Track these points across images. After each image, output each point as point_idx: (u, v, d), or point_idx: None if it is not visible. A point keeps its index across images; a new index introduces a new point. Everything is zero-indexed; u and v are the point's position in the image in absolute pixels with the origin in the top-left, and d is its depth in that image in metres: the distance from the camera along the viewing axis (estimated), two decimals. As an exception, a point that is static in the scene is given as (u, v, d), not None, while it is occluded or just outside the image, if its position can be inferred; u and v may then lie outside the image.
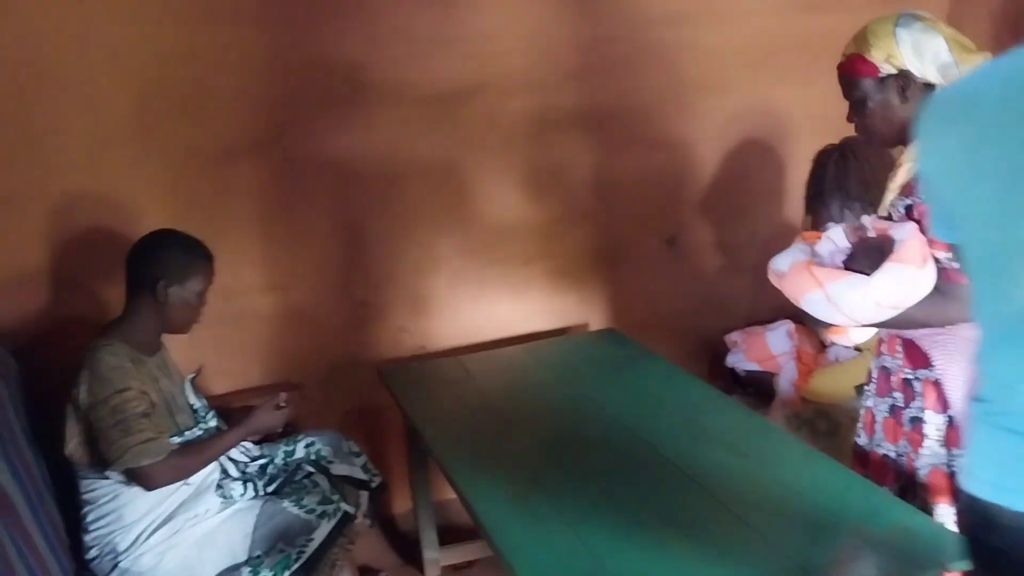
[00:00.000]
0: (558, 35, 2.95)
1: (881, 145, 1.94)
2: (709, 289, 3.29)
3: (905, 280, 1.68)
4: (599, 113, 3.05)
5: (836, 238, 1.81)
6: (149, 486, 2.10)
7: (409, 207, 2.93)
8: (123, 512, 2.15)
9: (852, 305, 1.71)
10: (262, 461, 2.45)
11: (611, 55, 3.01)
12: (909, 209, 1.78)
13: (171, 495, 2.19)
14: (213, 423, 2.38)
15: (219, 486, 2.27)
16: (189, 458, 2.17)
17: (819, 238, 1.84)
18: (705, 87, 3.12)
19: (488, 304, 3.09)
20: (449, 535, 2.92)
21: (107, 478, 2.14)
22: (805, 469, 2.02)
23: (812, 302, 1.76)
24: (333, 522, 2.21)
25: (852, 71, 1.83)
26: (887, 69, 1.78)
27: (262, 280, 2.82)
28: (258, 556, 2.17)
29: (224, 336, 2.68)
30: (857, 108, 1.86)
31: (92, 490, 2.16)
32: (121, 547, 2.14)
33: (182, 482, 2.19)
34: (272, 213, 2.80)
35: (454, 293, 3.05)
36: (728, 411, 2.37)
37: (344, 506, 2.26)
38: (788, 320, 2.87)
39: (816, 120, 3.09)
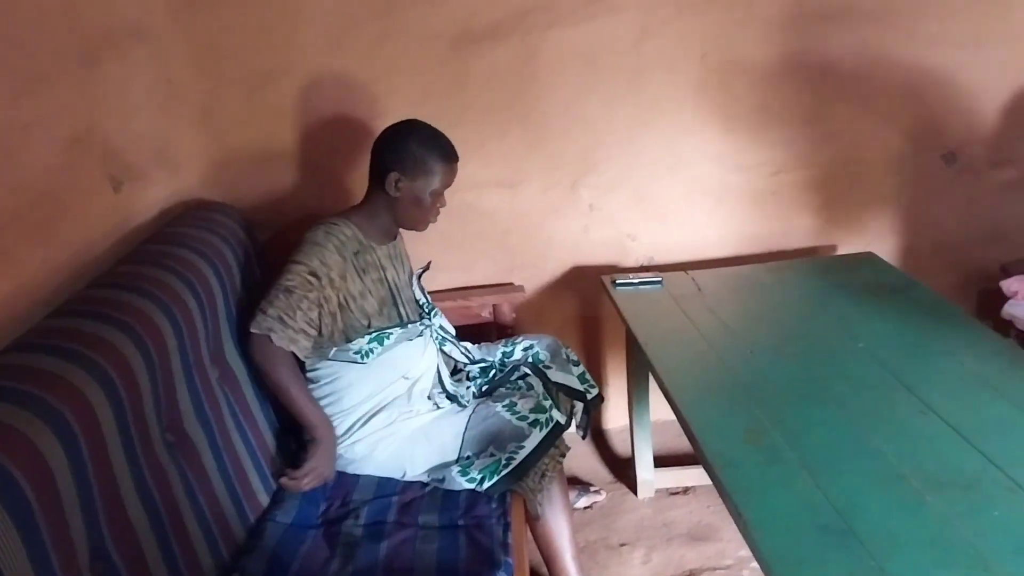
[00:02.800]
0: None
1: None
2: (990, 215, 2.84)
3: None
4: (878, 5, 2.63)
5: None
6: (254, 356, 2.03)
7: (651, 101, 2.68)
8: (343, 396, 2.15)
9: None
10: (483, 364, 2.39)
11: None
12: None
13: (391, 385, 2.17)
14: (439, 320, 2.33)
15: (430, 394, 2.23)
16: (284, 372, 2.04)
17: None
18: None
19: (727, 215, 2.82)
20: (666, 457, 2.76)
21: (330, 359, 2.13)
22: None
23: None
24: (545, 431, 2.10)
25: None
26: None
27: (491, 175, 2.70)
28: (468, 456, 2.10)
29: (448, 231, 2.59)
30: None
31: (315, 369, 2.16)
32: (338, 432, 2.14)
33: (401, 375, 2.15)
34: (507, 104, 2.64)
35: (691, 201, 2.80)
36: (1003, 357, 2.01)
37: (556, 415, 2.14)
38: None
39: None
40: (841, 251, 2.85)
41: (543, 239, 2.80)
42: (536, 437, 2.08)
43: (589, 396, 2.38)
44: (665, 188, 2.78)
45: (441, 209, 2.21)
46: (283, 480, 2.04)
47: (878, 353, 2.03)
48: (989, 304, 2.72)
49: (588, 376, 2.42)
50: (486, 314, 2.73)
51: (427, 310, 2.31)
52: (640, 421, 2.65)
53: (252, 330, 2.01)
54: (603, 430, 3.03)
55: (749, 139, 2.75)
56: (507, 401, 2.18)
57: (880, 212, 2.85)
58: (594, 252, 2.83)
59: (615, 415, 2.94)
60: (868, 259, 2.64)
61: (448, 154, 2.15)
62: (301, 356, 2.06)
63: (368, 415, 2.16)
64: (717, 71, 2.67)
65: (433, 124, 2.17)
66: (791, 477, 1.60)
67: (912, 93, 2.74)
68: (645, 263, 2.84)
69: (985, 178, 2.83)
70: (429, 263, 2.39)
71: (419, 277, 2.34)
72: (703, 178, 2.78)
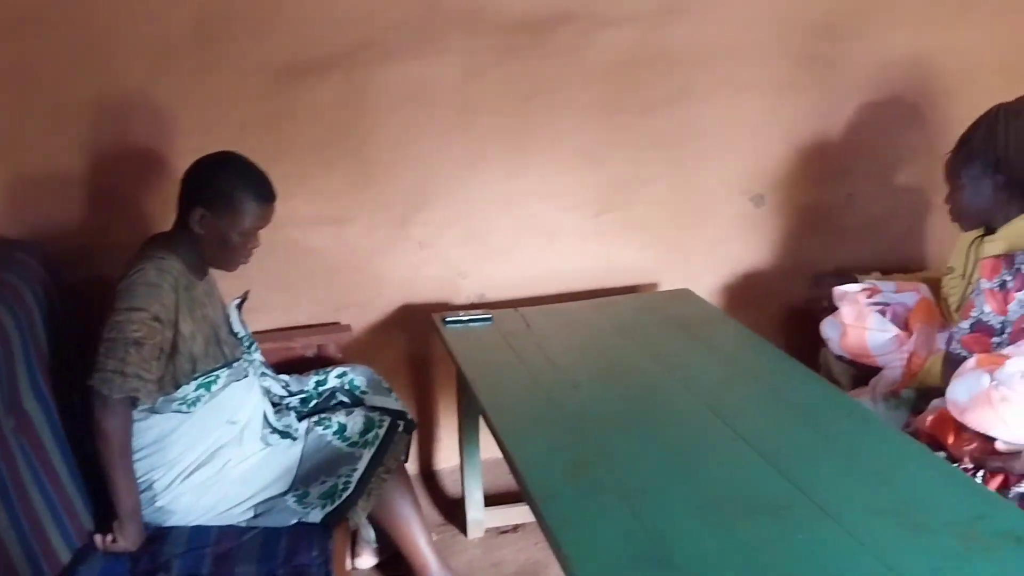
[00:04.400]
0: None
1: None
2: (794, 253, 3.02)
3: None
4: (692, 53, 2.78)
5: (1016, 365, 1.89)
6: (97, 415, 1.90)
7: (480, 143, 2.72)
8: (166, 446, 2.03)
9: None
10: (302, 395, 2.34)
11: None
12: None
13: (217, 431, 2.07)
14: (257, 356, 2.26)
15: (261, 436, 2.15)
16: (117, 443, 1.92)
17: (998, 364, 1.91)
18: (811, 29, 2.82)
19: (555, 255, 2.87)
20: (498, 495, 2.76)
21: (152, 410, 2.00)
22: (899, 459, 1.77)
23: (1001, 434, 1.88)
24: (374, 449, 2.11)
25: None
26: None
27: (317, 211, 2.65)
28: (302, 488, 2.06)
29: (271, 268, 2.52)
30: None
31: (135, 420, 2.02)
32: (160, 486, 2.02)
33: (227, 420, 2.07)
34: (333, 140, 2.61)
35: (520, 241, 2.84)
36: (811, 386, 2.12)
37: (381, 432, 2.15)
38: (897, 329, 2.35)
39: (931, 74, 2.81)
40: (662, 288, 2.96)
41: (372, 277, 2.76)
42: (367, 456, 2.09)
43: (407, 419, 2.36)
44: (496, 226, 2.81)
45: (263, 244, 2.12)
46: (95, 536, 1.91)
47: (694, 385, 2.11)
48: (796, 332, 2.89)
49: (402, 403, 2.41)
50: (311, 355, 2.66)
51: (247, 344, 2.22)
52: (470, 460, 2.64)
53: (103, 391, 1.87)
54: (434, 471, 2.99)
55: (576, 180, 2.83)
56: (336, 426, 2.14)
57: (697, 251, 2.98)
58: (425, 290, 2.81)
59: (446, 455, 2.92)
60: (685, 295, 2.74)
61: (262, 193, 2.03)
62: (136, 392, 1.92)
63: (194, 466, 2.05)
64: (543, 113, 2.73)
65: (255, 159, 2.09)
66: (611, 509, 1.62)
67: (725, 138, 2.89)
68: (476, 300, 2.85)
69: (790, 218, 3.01)
70: (247, 293, 2.29)
71: (239, 307, 2.24)
72: (533, 217, 2.83)
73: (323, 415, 2.22)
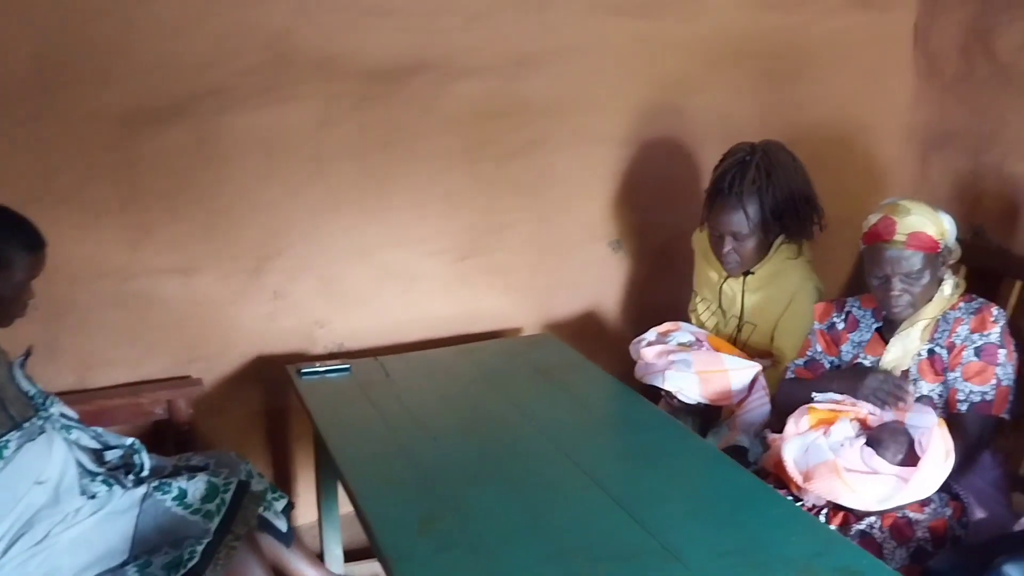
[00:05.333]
0: (507, 17, 2.73)
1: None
2: (653, 297, 3.09)
3: (937, 475, 1.91)
4: (548, 104, 2.84)
5: (845, 430, 2.00)
6: None
7: (335, 191, 2.69)
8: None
9: (887, 500, 1.91)
10: (119, 452, 2.15)
11: (567, 42, 2.80)
12: (931, 352, 2.10)
13: (27, 495, 1.92)
14: (56, 409, 2.08)
15: (81, 488, 2.01)
16: None
17: (830, 423, 2.01)
18: (663, 84, 2.93)
19: (416, 302, 2.85)
20: (358, 551, 2.69)
21: None
22: (745, 499, 1.83)
23: (849, 503, 1.94)
24: (220, 517, 2.01)
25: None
26: None
27: (163, 262, 2.56)
28: (143, 557, 1.94)
29: (116, 321, 2.42)
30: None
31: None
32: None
33: (35, 481, 1.93)
34: (181, 189, 2.54)
35: (380, 288, 2.81)
36: (665, 429, 2.18)
37: (227, 497, 2.05)
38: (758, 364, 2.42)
39: (776, 126, 2.95)
40: (525, 332, 2.97)
41: (223, 328, 2.67)
42: (213, 524, 1.98)
43: (279, 505, 2.28)
44: (354, 274, 2.77)
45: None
46: None
47: (551, 431, 2.12)
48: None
49: (274, 488, 2.32)
50: (160, 411, 2.55)
51: (40, 400, 2.07)
52: (329, 515, 2.57)
53: None
54: (293, 527, 2.89)
55: (436, 226, 2.83)
56: (176, 491, 2.04)
57: (558, 295, 3.02)
58: (280, 341, 2.74)
59: (305, 511, 2.83)
60: (546, 340, 2.77)
61: (29, 242, 1.96)
62: None
63: (8, 539, 1.89)
64: (401, 160, 2.73)
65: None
66: (461, 565, 1.60)
67: (582, 185, 2.95)
68: (334, 350, 2.79)
69: (647, 263, 3.08)
70: (29, 348, 2.12)
71: (22, 366, 2.09)
72: (393, 263, 2.80)
73: (163, 479, 2.11)
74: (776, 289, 2.50)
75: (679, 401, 2.42)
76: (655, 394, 2.66)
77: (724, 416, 2.43)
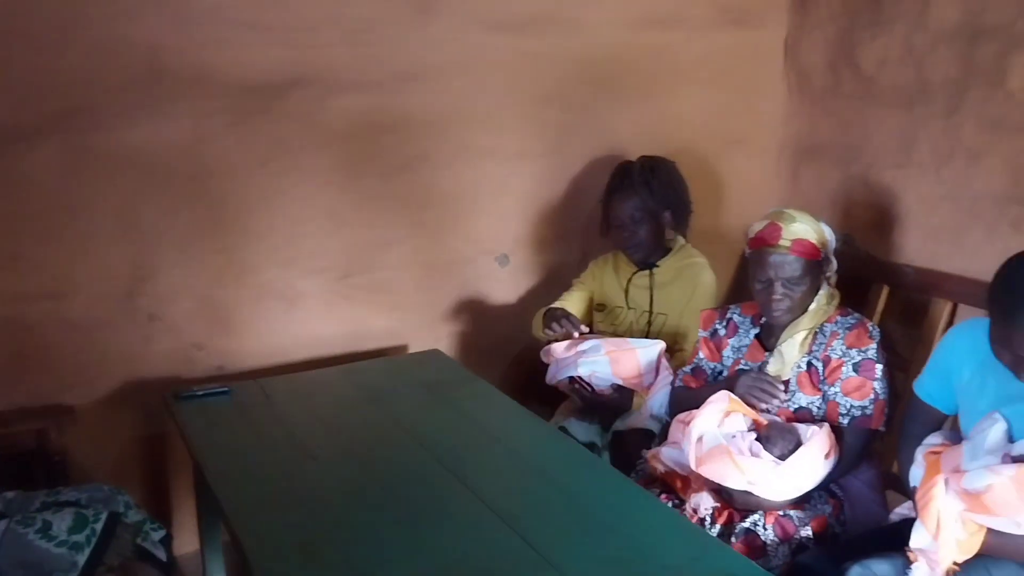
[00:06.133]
0: (389, 32, 2.72)
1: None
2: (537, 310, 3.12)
3: (817, 467, 2.04)
4: (431, 119, 2.83)
5: (738, 423, 2.14)
6: None
7: (213, 209, 2.62)
8: None
9: (770, 486, 2.03)
10: None
11: (449, 58, 2.81)
12: (809, 365, 2.19)
13: None
14: None
15: None
16: None
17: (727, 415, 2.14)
18: (545, 99, 2.96)
19: (298, 321, 2.80)
20: (243, 580, 2.61)
21: None
22: (627, 508, 1.84)
23: (735, 484, 2.03)
24: (90, 549, 1.93)
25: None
26: None
27: (30, 286, 2.45)
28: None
29: (-22, 349, 2.30)
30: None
31: None
32: None
33: None
34: (51, 210, 2.44)
35: (261, 307, 2.75)
36: (554, 443, 2.19)
37: (98, 527, 1.98)
38: (660, 341, 2.59)
39: (657, 140, 3.02)
40: (412, 350, 2.95)
41: (97, 353, 2.57)
42: (82, 556, 1.92)
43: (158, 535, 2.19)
44: (233, 294, 2.70)
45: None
46: None
47: (436, 449, 2.10)
48: (542, 387, 2.96)
49: (152, 519, 2.24)
50: (30, 442, 2.42)
51: None
52: (211, 543, 2.49)
53: None
54: (173, 557, 2.79)
55: (318, 243, 2.78)
56: (39, 523, 1.95)
57: (445, 311, 3.01)
58: (157, 364, 2.65)
59: (187, 539, 2.73)
60: (434, 356, 2.75)
61: None
62: None
63: None
64: (281, 177, 2.68)
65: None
66: (339, 588, 1.57)
67: (468, 200, 2.95)
68: (214, 373, 2.71)
69: (533, 277, 3.10)
70: None
71: None
72: (273, 283, 2.75)
73: (28, 514, 2.01)
74: (682, 279, 2.73)
75: (592, 389, 2.55)
76: (555, 401, 2.71)
77: (636, 406, 2.56)
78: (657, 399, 2.49)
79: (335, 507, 1.86)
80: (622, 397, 2.58)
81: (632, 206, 2.70)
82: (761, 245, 2.19)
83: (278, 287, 2.75)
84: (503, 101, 2.92)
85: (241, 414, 2.33)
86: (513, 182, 3.00)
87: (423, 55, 2.77)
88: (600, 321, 2.83)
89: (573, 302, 2.80)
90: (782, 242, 2.15)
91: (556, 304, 2.75)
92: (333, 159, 2.74)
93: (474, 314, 3.05)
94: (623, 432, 2.53)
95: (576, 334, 2.56)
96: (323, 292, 2.81)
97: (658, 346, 2.54)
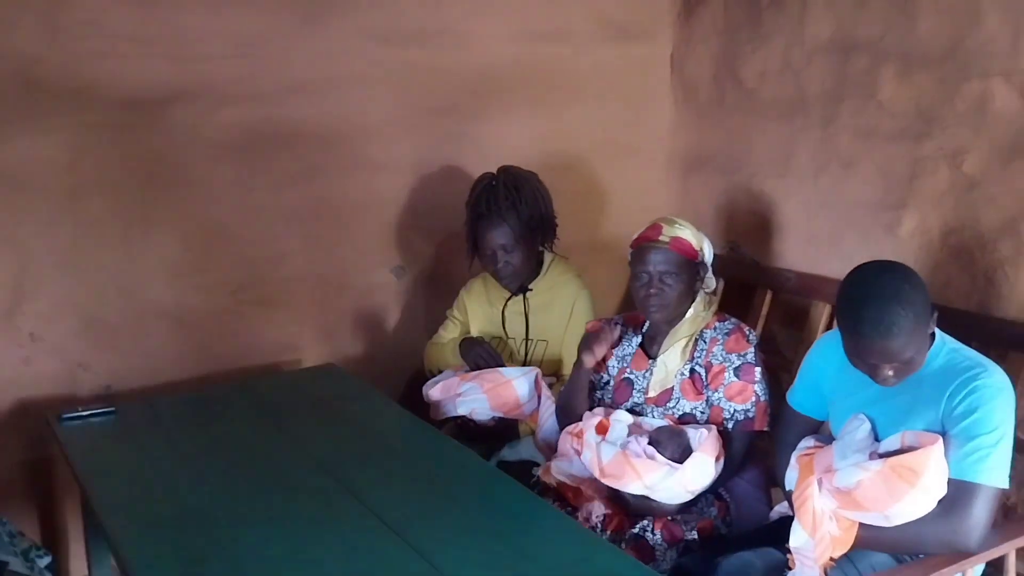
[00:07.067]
0: (276, 44, 2.70)
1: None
2: (436, 323, 3.11)
3: (707, 470, 2.10)
4: (322, 131, 2.81)
5: (620, 430, 2.19)
6: None
7: (95, 225, 2.56)
8: None
9: (666, 489, 2.08)
10: None
11: (338, 71, 2.80)
12: (692, 372, 2.25)
13: None
14: None
15: None
16: None
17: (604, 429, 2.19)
18: (437, 111, 2.98)
19: (187, 338, 2.73)
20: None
21: None
22: (519, 516, 1.88)
23: (635, 489, 2.08)
24: None
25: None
26: None
27: (-101, 307, 2.34)
28: None
29: None
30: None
31: None
32: None
33: None
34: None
35: (147, 325, 2.67)
36: (447, 453, 2.20)
37: None
38: (536, 369, 2.55)
39: (548, 152, 3.07)
40: (306, 364, 2.92)
41: (-28, 377, 2.47)
42: None
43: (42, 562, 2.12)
44: (119, 312, 2.63)
45: None
46: None
47: (328, 463, 2.09)
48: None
49: (38, 547, 2.16)
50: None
51: None
52: (100, 568, 2.42)
53: None
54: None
55: (207, 258, 2.73)
56: None
57: (340, 324, 2.98)
58: (40, 385, 2.56)
59: (76, 564, 2.65)
60: (329, 371, 2.74)
61: None
62: None
63: None
64: (166, 191, 2.63)
65: None
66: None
67: (362, 213, 2.94)
68: (101, 393, 2.63)
69: (429, 288, 3.11)
70: None
71: None
72: (160, 299, 2.68)
73: None
74: (558, 301, 2.66)
75: (474, 424, 2.52)
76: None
77: (524, 433, 2.55)
78: (547, 429, 2.47)
79: (223, 525, 1.83)
80: (507, 427, 2.57)
81: (502, 234, 2.57)
82: (642, 242, 2.27)
83: (165, 303, 2.69)
84: (394, 113, 2.92)
85: (128, 434, 2.28)
86: (408, 194, 3.00)
87: (312, 67, 2.76)
88: None
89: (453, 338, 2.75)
90: (662, 237, 2.24)
91: (436, 340, 2.77)
92: (220, 173, 2.69)
93: (370, 327, 3.04)
94: (510, 463, 2.48)
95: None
96: (213, 307, 2.76)
97: (533, 372, 2.49)
